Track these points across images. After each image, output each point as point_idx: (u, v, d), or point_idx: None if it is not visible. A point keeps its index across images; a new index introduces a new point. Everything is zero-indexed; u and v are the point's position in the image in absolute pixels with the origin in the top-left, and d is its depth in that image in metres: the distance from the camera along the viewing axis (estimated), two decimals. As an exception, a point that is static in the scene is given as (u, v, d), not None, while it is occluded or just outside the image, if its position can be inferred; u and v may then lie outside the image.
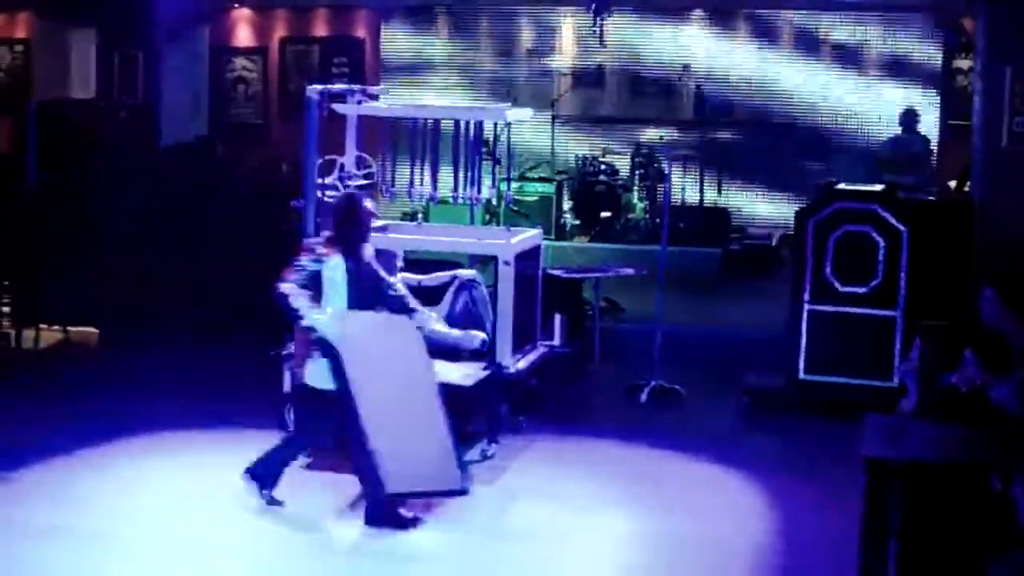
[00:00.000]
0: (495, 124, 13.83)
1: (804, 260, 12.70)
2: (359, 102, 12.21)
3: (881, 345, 12.46)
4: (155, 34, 18.31)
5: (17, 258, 15.16)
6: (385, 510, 9.38)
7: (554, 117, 20.00)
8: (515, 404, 11.63)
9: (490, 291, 11.31)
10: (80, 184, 15.23)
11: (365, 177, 12.27)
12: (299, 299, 9.36)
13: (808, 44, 20.62)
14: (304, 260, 9.51)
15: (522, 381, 11.60)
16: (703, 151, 19.50)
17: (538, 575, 8.99)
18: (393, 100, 14.65)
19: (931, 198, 15.36)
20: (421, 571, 9.01)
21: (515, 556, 9.16)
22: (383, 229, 12.30)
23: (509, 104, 15.61)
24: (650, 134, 20.27)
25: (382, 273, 9.77)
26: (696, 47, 20.82)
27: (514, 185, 17.35)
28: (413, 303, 9.88)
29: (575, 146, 20.48)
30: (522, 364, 11.52)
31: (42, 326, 15.10)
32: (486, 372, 10.88)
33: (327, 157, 11.92)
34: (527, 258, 11.83)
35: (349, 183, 11.94)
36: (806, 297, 12.68)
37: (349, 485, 10.11)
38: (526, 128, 19.55)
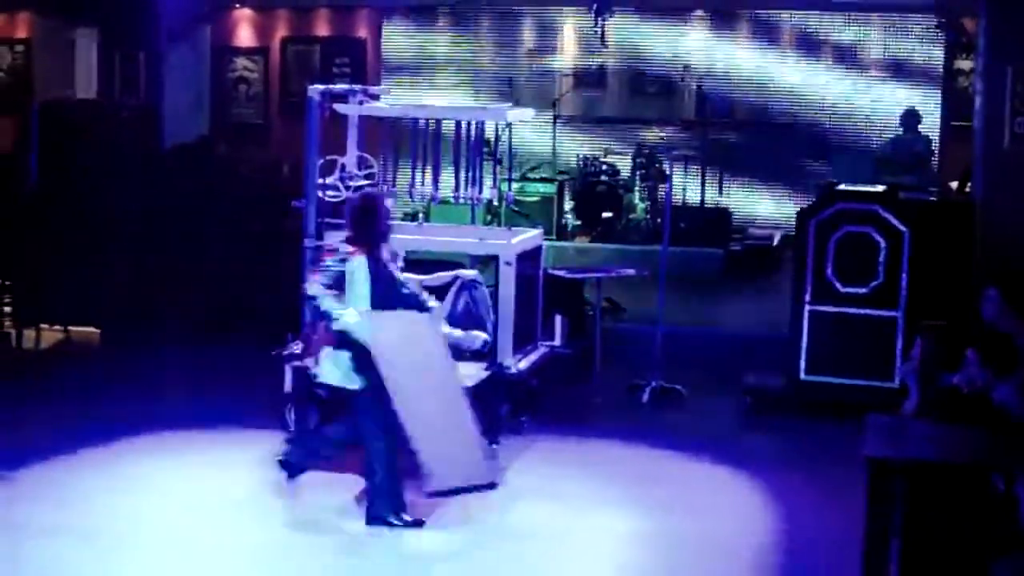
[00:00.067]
0: (496, 124, 13.82)
1: (805, 260, 12.71)
2: (360, 102, 12.21)
3: (882, 346, 12.46)
4: (157, 34, 18.29)
5: (18, 258, 15.17)
6: (385, 510, 9.39)
7: (555, 117, 19.99)
8: (516, 404, 11.63)
9: (491, 291, 11.31)
10: (81, 184, 15.23)
11: (366, 177, 12.27)
12: (328, 300, 9.28)
13: (809, 44, 20.63)
14: (329, 260, 9.43)
15: (523, 381, 11.59)
16: (704, 151, 19.49)
17: (539, 575, 9.00)
18: (394, 100, 14.64)
19: (932, 199, 15.37)
20: (422, 571, 9.02)
21: (516, 556, 9.16)
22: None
23: (510, 104, 15.61)
24: (651, 134, 20.26)
25: (397, 272, 9.75)
26: (697, 47, 20.82)
27: (515, 185, 17.34)
28: (430, 300, 9.88)
29: (576, 146, 20.47)
30: (523, 364, 11.52)
31: (43, 326, 15.11)
32: (487, 372, 10.89)
33: (328, 157, 11.92)
34: (528, 258, 11.83)
35: (350, 183, 11.94)
36: (807, 297, 12.69)
37: (349, 485, 10.13)
38: (527, 128, 19.55)
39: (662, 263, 13.47)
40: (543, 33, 21.33)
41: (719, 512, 10.05)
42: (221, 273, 15.40)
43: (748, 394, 12.81)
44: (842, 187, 13.17)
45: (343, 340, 9.30)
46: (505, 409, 11.35)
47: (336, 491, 10.11)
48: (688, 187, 19.42)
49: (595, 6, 18.74)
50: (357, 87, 12.56)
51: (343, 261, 9.35)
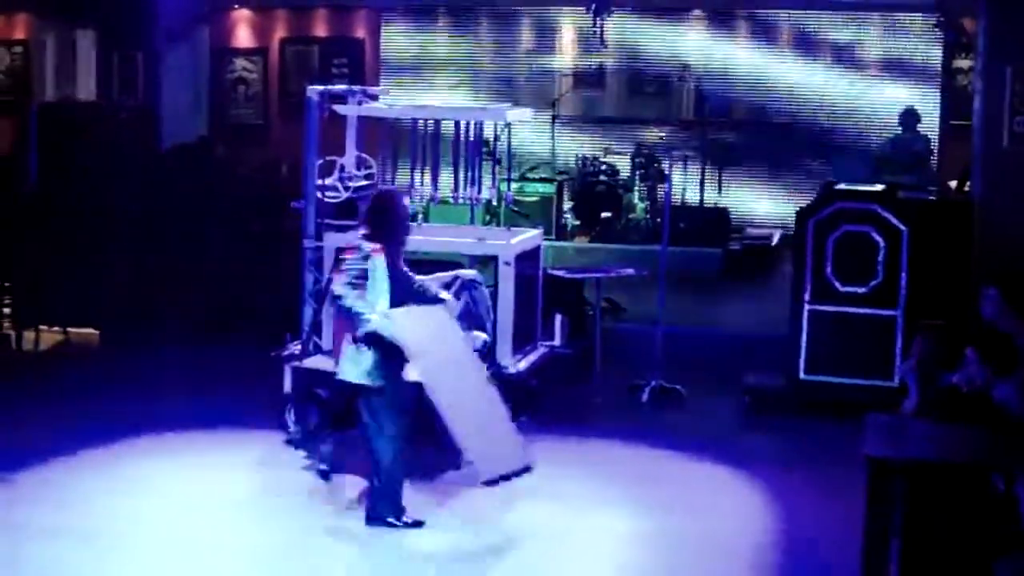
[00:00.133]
0: (495, 124, 13.83)
1: (804, 260, 12.71)
2: (359, 103, 12.22)
3: (881, 345, 12.46)
4: (155, 35, 18.30)
5: (18, 259, 15.17)
6: (386, 511, 9.39)
7: (554, 117, 19.99)
8: (516, 404, 11.59)
9: (490, 292, 11.31)
10: (80, 185, 15.23)
11: (366, 178, 12.28)
12: (355, 300, 9.23)
13: (808, 44, 20.62)
14: (352, 258, 9.32)
15: (523, 381, 11.59)
16: (703, 151, 19.49)
17: (539, 575, 9.00)
18: (393, 101, 14.64)
19: (931, 198, 15.36)
20: (422, 571, 9.03)
21: (516, 556, 9.16)
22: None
23: (509, 104, 15.61)
24: (650, 134, 20.25)
25: (406, 269, 9.73)
26: (696, 47, 20.82)
27: (514, 185, 17.34)
28: (442, 293, 9.88)
29: (575, 146, 20.46)
30: (523, 364, 11.53)
31: (43, 327, 15.11)
32: (487, 373, 10.87)
33: (327, 158, 11.93)
34: (528, 258, 11.83)
35: (349, 184, 11.95)
36: (806, 297, 12.69)
37: (349, 486, 10.14)
38: (526, 128, 19.55)
39: (661, 263, 13.47)
40: (542, 33, 21.33)
41: (719, 512, 10.05)
42: (220, 274, 15.41)
43: (747, 394, 12.81)
44: (841, 186, 13.16)
45: (368, 339, 9.26)
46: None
47: (336, 492, 10.11)
48: (687, 187, 19.43)
49: (593, 6, 18.74)
50: (356, 87, 12.59)
51: (365, 259, 9.28)
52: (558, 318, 12.50)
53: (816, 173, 19.43)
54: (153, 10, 17.94)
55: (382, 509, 9.38)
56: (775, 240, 19.21)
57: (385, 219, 9.41)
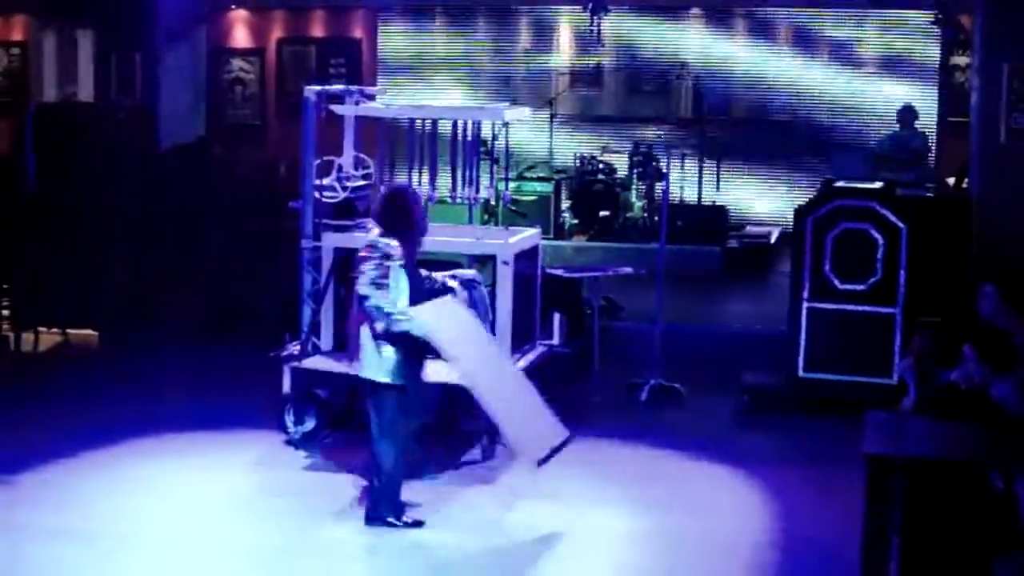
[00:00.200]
0: (493, 124, 13.83)
1: (803, 258, 12.71)
2: (356, 102, 12.22)
3: (880, 342, 12.47)
4: (153, 36, 18.28)
5: (16, 261, 15.16)
6: (386, 511, 9.39)
7: (552, 116, 19.99)
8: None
9: (489, 291, 11.30)
10: (79, 186, 15.22)
11: (363, 178, 12.28)
12: (383, 300, 9.18)
13: (806, 41, 20.63)
14: (372, 258, 9.26)
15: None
16: (701, 149, 19.49)
17: (538, 574, 9.00)
18: (390, 100, 14.64)
19: (930, 195, 15.37)
20: (422, 571, 9.02)
21: (515, 555, 9.16)
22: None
23: (507, 103, 15.60)
24: (648, 132, 20.25)
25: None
26: (694, 45, 20.82)
27: (512, 184, 17.32)
28: (449, 281, 9.87)
29: (573, 145, 20.45)
30: (521, 364, 11.51)
31: (41, 329, 15.10)
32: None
33: (325, 158, 11.93)
34: (526, 258, 11.83)
35: (347, 183, 11.95)
36: (805, 295, 12.70)
37: (348, 486, 10.14)
38: (524, 127, 19.56)
39: (660, 261, 13.47)
40: (539, 32, 21.33)
41: (718, 510, 10.06)
42: (219, 274, 15.41)
43: (747, 392, 12.81)
44: (839, 184, 13.16)
45: (392, 338, 9.27)
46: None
47: (336, 492, 10.12)
48: (685, 185, 19.43)
49: (591, 5, 18.74)
50: (353, 87, 12.58)
51: (386, 257, 9.25)
52: (556, 317, 12.50)
53: (815, 170, 19.44)
54: (151, 11, 17.91)
55: (382, 509, 9.39)
56: (774, 238, 19.22)
57: (401, 216, 9.38)
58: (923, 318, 10.86)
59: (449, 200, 12.35)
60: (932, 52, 20.06)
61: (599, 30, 19.19)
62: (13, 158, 16.31)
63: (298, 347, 11.62)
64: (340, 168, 12.06)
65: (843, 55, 20.50)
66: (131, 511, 9.77)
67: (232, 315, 14.96)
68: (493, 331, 11.07)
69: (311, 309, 11.65)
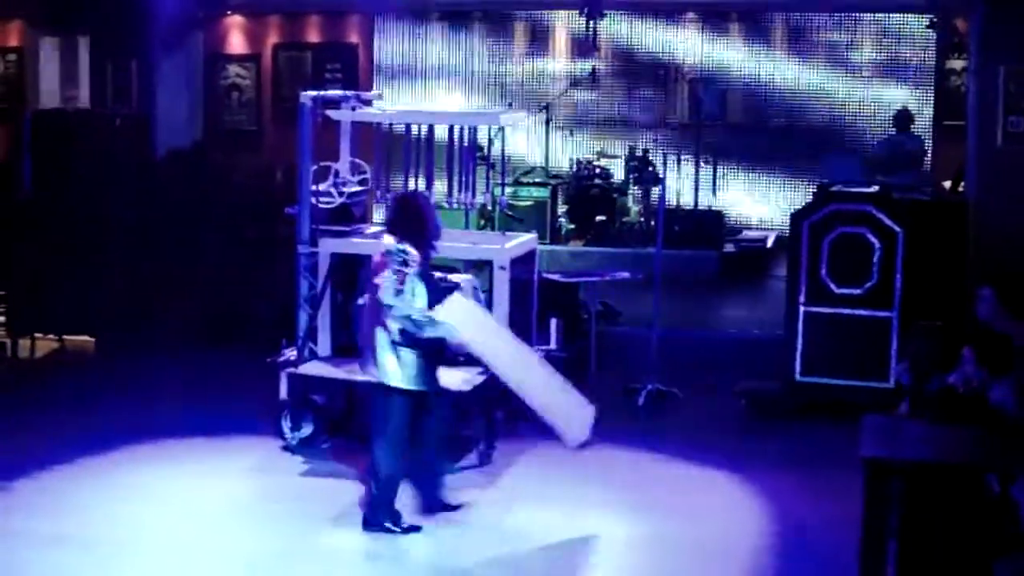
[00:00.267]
0: (489, 129, 13.83)
1: (799, 262, 12.71)
2: (353, 108, 12.21)
3: (877, 346, 12.46)
4: (149, 42, 18.29)
5: (13, 267, 15.15)
6: (383, 516, 9.39)
7: (548, 121, 19.98)
8: (512, 409, 11.62)
9: (486, 296, 11.31)
10: (75, 193, 15.22)
11: (360, 183, 12.27)
12: (410, 307, 9.19)
13: (801, 45, 20.61)
14: (392, 265, 9.22)
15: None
16: (697, 153, 19.48)
17: (537, 579, 9.02)
18: (387, 106, 14.62)
19: (926, 199, 15.36)
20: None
21: (513, 559, 9.16)
22: (378, 235, 12.29)
23: (503, 108, 15.60)
24: (644, 137, 20.24)
25: None
26: (690, 49, 20.81)
27: (508, 189, 17.33)
28: (450, 276, 9.87)
29: (569, 150, 20.44)
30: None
31: (38, 335, 15.09)
32: (483, 377, 10.88)
33: (322, 163, 11.93)
34: (522, 263, 11.83)
35: (344, 189, 11.94)
36: (802, 299, 12.69)
37: (346, 492, 10.14)
38: (520, 132, 19.56)
39: (656, 266, 13.46)
40: (535, 37, 21.31)
41: (715, 515, 10.06)
42: (216, 280, 15.41)
43: (744, 396, 12.80)
44: (835, 188, 13.16)
45: (413, 343, 9.27)
46: (501, 414, 11.35)
47: (334, 498, 10.12)
48: (682, 189, 19.44)
49: (586, 9, 18.74)
50: (349, 93, 12.56)
51: (404, 264, 9.24)
52: (553, 322, 12.49)
53: (811, 175, 19.42)
54: (147, 17, 17.92)
55: (380, 515, 9.38)
56: (770, 242, 19.22)
57: (414, 222, 9.37)
58: (920, 321, 10.88)
59: (446, 205, 12.35)
60: (928, 56, 20.06)
61: (595, 35, 19.19)
62: (10, 165, 16.31)
63: (295, 353, 11.62)
64: (337, 173, 12.06)
65: (839, 59, 20.49)
66: (128, 518, 9.77)
67: (229, 321, 14.96)
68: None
69: (308, 315, 11.65)
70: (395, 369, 9.26)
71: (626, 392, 13.05)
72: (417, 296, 9.22)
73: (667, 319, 13.75)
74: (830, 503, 9.88)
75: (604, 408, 12.73)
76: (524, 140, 20.23)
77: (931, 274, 12.79)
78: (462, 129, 12.03)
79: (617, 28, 20.63)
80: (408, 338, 9.21)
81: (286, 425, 11.34)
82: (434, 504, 9.72)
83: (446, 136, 12.05)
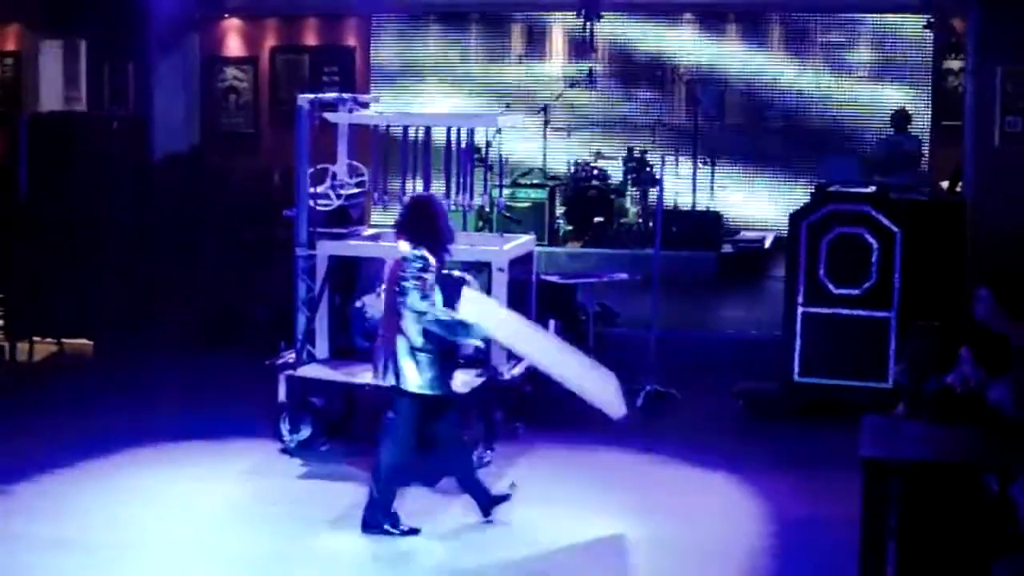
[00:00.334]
0: (487, 131, 13.82)
1: (797, 262, 12.70)
2: (350, 110, 12.21)
3: (876, 346, 12.46)
4: (146, 45, 18.30)
5: (11, 271, 15.15)
6: (382, 518, 9.39)
7: (546, 122, 19.99)
8: (510, 410, 11.63)
9: (485, 298, 11.30)
10: (72, 196, 15.22)
11: (357, 185, 12.27)
12: (440, 311, 9.20)
13: (799, 45, 20.63)
14: (412, 270, 9.17)
15: (517, 387, 11.60)
16: (695, 154, 19.49)
17: (535, 581, 9.02)
18: (384, 108, 14.64)
19: (924, 199, 15.37)
20: (418, 578, 9.05)
21: (512, 562, 9.15)
22: (375, 237, 12.31)
23: (501, 110, 15.61)
24: (642, 138, 20.23)
25: None
26: (687, 50, 20.82)
27: (506, 191, 17.34)
28: (454, 272, 9.88)
29: (567, 151, 20.44)
30: (517, 370, 11.53)
31: (36, 339, 15.09)
32: (481, 379, 10.89)
33: (319, 166, 11.93)
34: (520, 264, 11.84)
35: (341, 191, 11.94)
36: (800, 299, 12.69)
37: (344, 495, 10.13)
38: (518, 134, 19.57)
39: (654, 267, 13.47)
40: (532, 38, 21.32)
41: (714, 516, 10.05)
42: (213, 283, 15.41)
43: (742, 397, 12.80)
44: (833, 188, 13.16)
45: (438, 345, 9.29)
46: (499, 415, 11.35)
47: (332, 501, 10.12)
48: (679, 190, 19.44)
49: (583, 11, 18.74)
50: (347, 95, 12.57)
51: (424, 268, 9.23)
52: (551, 323, 12.47)
53: (808, 175, 19.42)
54: (144, 20, 17.93)
55: (379, 517, 9.39)
56: (768, 243, 19.22)
57: (427, 226, 9.36)
58: (919, 321, 10.88)
59: (444, 207, 12.33)
60: (925, 56, 20.07)
61: (592, 36, 19.19)
62: (7, 168, 16.30)
63: (293, 355, 11.62)
64: (334, 176, 12.06)
65: (837, 59, 20.51)
66: (128, 521, 9.76)
67: (227, 324, 14.96)
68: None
69: (306, 317, 11.64)
70: (414, 375, 9.26)
71: (624, 393, 13.03)
72: (435, 298, 9.24)
73: (665, 320, 13.76)
74: (829, 503, 9.87)
75: (602, 410, 12.81)
76: (522, 142, 20.22)
77: (929, 274, 12.79)
78: (460, 131, 12.03)
79: (615, 29, 20.64)
80: (431, 343, 9.22)
81: (284, 428, 11.34)
82: (489, 500, 9.72)
83: (444, 138, 12.05)
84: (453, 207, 12.21)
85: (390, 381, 9.34)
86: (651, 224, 17.42)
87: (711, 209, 19.46)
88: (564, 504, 10.11)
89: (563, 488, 10.47)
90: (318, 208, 11.82)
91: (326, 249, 11.60)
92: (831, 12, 20.36)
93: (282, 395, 11.45)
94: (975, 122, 14.46)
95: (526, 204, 18.45)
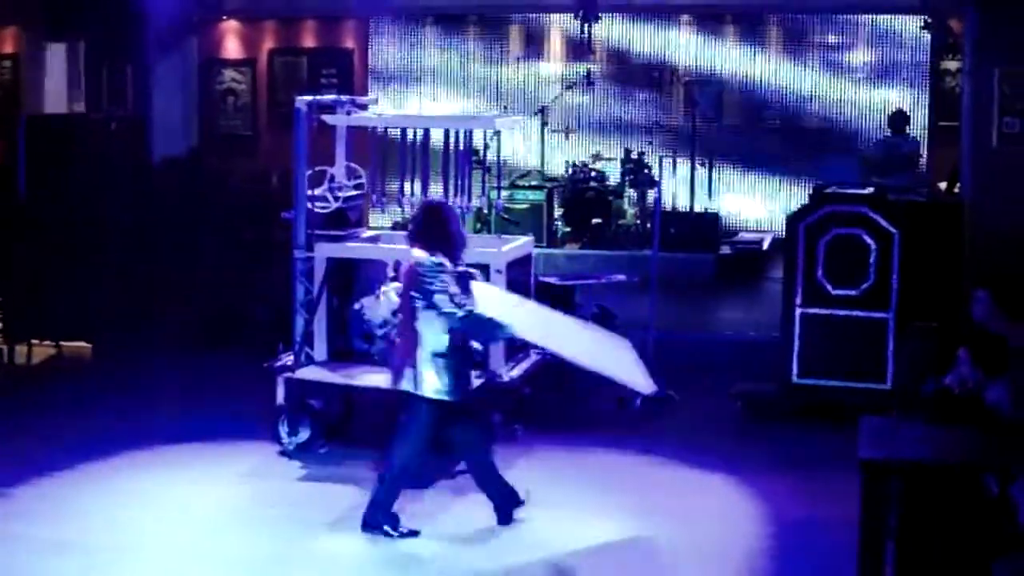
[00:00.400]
0: (485, 132, 13.84)
1: (795, 264, 12.70)
2: (348, 113, 12.21)
3: (874, 347, 12.46)
4: (144, 47, 18.30)
5: (9, 273, 15.15)
6: (383, 519, 9.40)
7: (544, 124, 20.00)
8: (509, 412, 11.63)
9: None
10: (71, 198, 15.21)
11: (355, 187, 12.27)
12: (471, 311, 9.22)
13: (797, 47, 20.65)
14: (430, 275, 9.16)
15: (515, 389, 11.59)
16: (693, 156, 19.51)
17: (534, 583, 9.02)
18: (382, 110, 14.64)
19: (922, 200, 15.38)
20: (417, 581, 9.05)
21: (510, 564, 9.15)
22: (374, 239, 12.31)
23: (499, 112, 15.61)
24: (640, 140, 20.24)
25: None
26: (685, 51, 20.83)
27: (504, 193, 17.35)
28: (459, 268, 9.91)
29: (565, 153, 20.45)
30: (515, 372, 11.53)
31: (35, 341, 15.09)
32: (480, 380, 10.88)
33: (317, 168, 11.93)
34: (519, 266, 11.84)
35: (339, 194, 11.94)
36: (798, 301, 12.68)
37: (343, 497, 10.14)
38: (516, 136, 19.58)
39: (653, 268, 13.47)
40: (530, 40, 21.33)
41: (712, 517, 10.05)
42: (212, 284, 15.41)
43: (741, 398, 12.80)
44: (831, 190, 13.16)
45: (457, 348, 9.31)
46: (498, 417, 11.35)
47: (331, 503, 10.12)
48: (677, 192, 19.45)
49: (581, 12, 18.75)
50: (345, 97, 12.57)
51: (442, 271, 9.21)
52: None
53: (807, 176, 19.44)
54: (142, 22, 17.93)
55: (379, 517, 9.39)
56: (766, 244, 19.22)
57: (438, 231, 9.37)
58: (916, 323, 10.88)
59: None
60: (923, 57, 20.09)
61: (590, 38, 19.20)
62: (5, 170, 16.30)
63: (292, 357, 11.62)
64: (332, 178, 12.05)
65: (834, 61, 20.52)
66: (127, 523, 9.77)
67: (225, 326, 14.97)
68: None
69: (304, 319, 11.65)
70: (433, 380, 9.27)
71: (622, 396, 13.05)
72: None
73: (663, 322, 13.76)
74: (827, 505, 9.88)
75: (600, 411, 12.83)
76: (520, 143, 20.24)
77: (927, 275, 12.79)
78: (458, 133, 12.03)
79: (612, 31, 20.66)
80: (451, 347, 9.24)
81: (283, 430, 11.34)
82: (508, 502, 9.73)
83: (442, 140, 12.05)
84: (452, 209, 12.22)
85: (407, 386, 9.34)
86: (649, 225, 17.42)
87: (709, 210, 19.47)
88: (563, 506, 10.11)
89: (562, 490, 10.47)
90: (316, 210, 11.81)
91: (324, 251, 11.61)
92: (828, 13, 20.36)
93: (280, 397, 11.44)
94: (973, 123, 14.47)
95: (524, 206, 18.46)
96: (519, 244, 12.07)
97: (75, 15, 18.44)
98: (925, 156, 19.21)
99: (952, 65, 19.55)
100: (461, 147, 12.00)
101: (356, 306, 11.73)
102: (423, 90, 21.39)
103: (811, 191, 13.67)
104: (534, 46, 21.33)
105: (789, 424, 12.34)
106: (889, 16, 20.07)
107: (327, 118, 12.09)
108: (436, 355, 9.24)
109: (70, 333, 15.17)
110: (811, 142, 20.32)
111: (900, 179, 16.89)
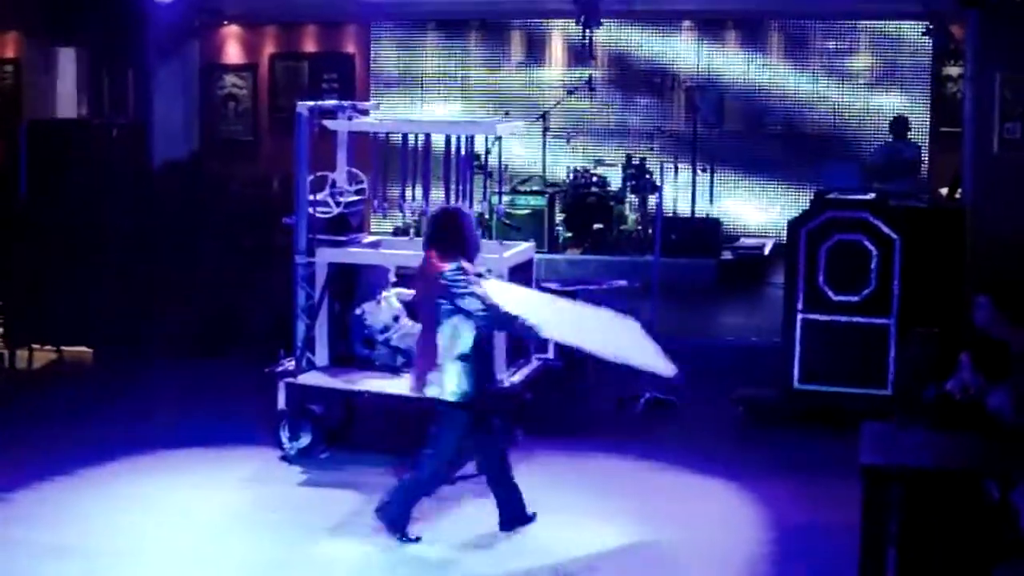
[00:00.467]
0: (486, 138, 13.83)
1: (797, 269, 12.70)
2: (349, 118, 12.21)
3: (875, 353, 12.45)
4: (145, 52, 18.30)
5: (10, 278, 15.15)
6: (396, 514, 9.40)
7: (545, 129, 20.00)
8: (510, 417, 11.61)
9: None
10: (72, 203, 15.20)
11: (356, 192, 12.27)
12: (500, 311, 9.22)
13: (798, 52, 20.65)
14: (453, 278, 9.16)
15: (517, 394, 11.58)
16: (694, 161, 19.51)
17: (535, 588, 9.01)
18: (383, 115, 14.64)
19: (923, 205, 15.38)
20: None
21: (510, 569, 9.15)
22: (375, 244, 12.31)
23: (500, 117, 15.61)
24: (641, 145, 20.24)
25: None
26: (686, 57, 20.84)
27: (506, 198, 17.35)
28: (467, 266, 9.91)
29: (566, 158, 20.45)
30: (517, 377, 11.53)
31: (35, 346, 15.08)
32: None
33: (318, 173, 11.93)
34: (520, 271, 11.83)
35: (341, 199, 11.94)
36: (799, 306, 12.68)
37: (344, 502, 10.14)
38: (517, 141, 19.57)
39: (654, 274, 13.47)
40: (532, 46, 21.34)
41: (713, 522, 10.05)
42: (213, 289, 15.39)
43: (742, 404, 12.80)
44: (832, 195, 13.15)
45: (481, 350, 9.33)
46: (498, 422, 11.32)
47: (331, 508, 10.12)
48: (679, 197, 19.45)
49: (583, 18, 18.75)
50: (346, 103, 12.57)
51: (464, 273, 9.22)
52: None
53: (808, 182, 19.43)
54: (143, 27, 17.93)
55: (394, 511, 9.37)
56: (767, 250, 19.22)
57: (453, 236, 9.37)
58: (918, 328, 10.87)
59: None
60: (924, 63, 20.09)
61: (591, 43, 19.21)
62: (6, 175, 16.30)
63: (293, 363, 11.62)
64: (333, 183, 12.05)
65: (835, 66, 20.53)
66: (127, 528, 9.76)
67: (226, 331, 14.96)
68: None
69: (305, 324, 11.64)
70: (461, 384, 9.26)
71: (624, 400, 13.05)
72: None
73: (664, 327, 13.71)
74: (829, 510, 9.87)
75: (601, 415, 12.83)
76: (521, 149, 20.24)
77: (928, 281, 12.79)
78: (459, 138, 12.03)
79: (614, 36, 20.66)
80: (475, 351, 9.24)
81: (284, 435, 11.33)
82: (514, 513, 9.71)
83: (443, 145, 12.05)
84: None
85: (433, 393, 9.34)
86: (650, 231, 17.43)
87: (710, 216, 19.47)
88: (563, 511, 10.10)
89: (562, 495, 10.46)
90: (317, 215, 11.81)
91: (325, 256, 11.60)
92: (830, 19, 20.36)
93: (282, 402, 11.44)
94: (974, 129, 14.45)
95: (525, 211, 18.48)
96: (520, 249, 12.06)
97: (77, 20, 18.44)
98: (926, 162, 19.22)
99: (954, 71, 19.55)
100: (462, 152, 12.00)
101: (357, 311, 11.73)
102: (425, 95, 21.39)
103: (812, 197, 13.66)
104: (536, 51, 21.34)
105: (790, 429, 12.34)
106: (890, 22, 20.07)
107: (328, 123, 12.09)
108: (461, 358, 9.23)
109: (71, 338, 15.16)
110: (812, 148, 20.32)
111: (901, 185, 16.90)
